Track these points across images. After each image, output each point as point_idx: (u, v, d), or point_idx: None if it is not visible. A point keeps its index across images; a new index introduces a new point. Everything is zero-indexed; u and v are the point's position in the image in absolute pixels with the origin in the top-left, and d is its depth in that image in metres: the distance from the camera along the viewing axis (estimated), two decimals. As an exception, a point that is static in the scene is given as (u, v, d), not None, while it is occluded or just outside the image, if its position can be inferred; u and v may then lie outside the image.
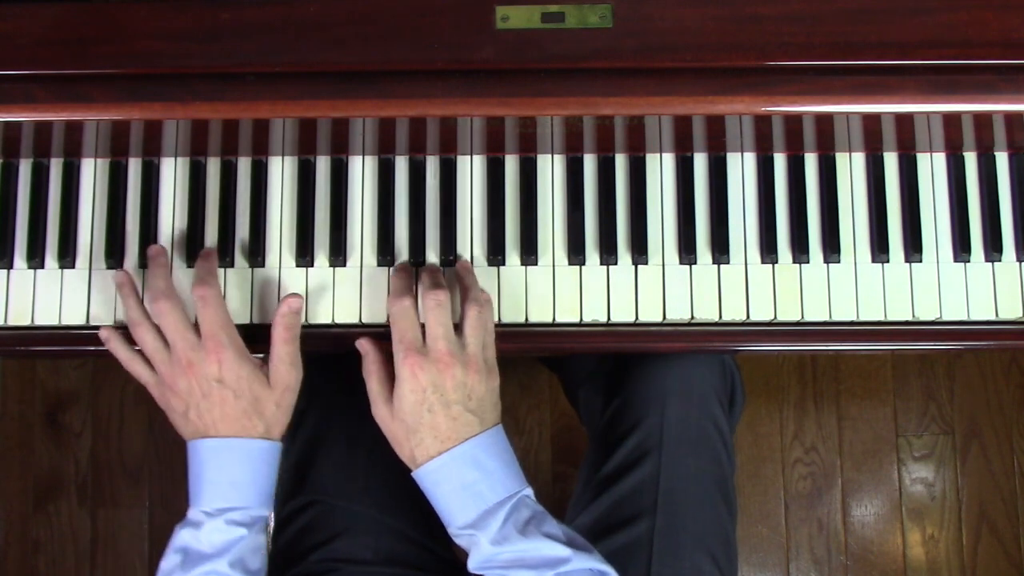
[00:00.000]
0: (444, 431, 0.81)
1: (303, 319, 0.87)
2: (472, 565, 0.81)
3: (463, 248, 0.90)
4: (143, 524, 1.73)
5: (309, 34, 0.81)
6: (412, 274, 0.88)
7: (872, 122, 0.86)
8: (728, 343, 0.91)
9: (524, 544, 0.79)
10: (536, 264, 0.90)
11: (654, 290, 0.90)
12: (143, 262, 0.90)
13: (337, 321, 0.90)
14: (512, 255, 0.90)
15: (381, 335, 0.87)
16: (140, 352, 0.85)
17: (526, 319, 0.90)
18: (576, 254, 0.90)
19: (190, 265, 0.90)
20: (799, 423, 1.75)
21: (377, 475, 1.01)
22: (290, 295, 0.86)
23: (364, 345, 0.86)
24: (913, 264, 0.91)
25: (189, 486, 0.83)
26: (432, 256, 0.90)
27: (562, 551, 0.79)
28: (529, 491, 0.83)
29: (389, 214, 0.91)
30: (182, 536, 0.81)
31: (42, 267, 0.91)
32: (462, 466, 0.81)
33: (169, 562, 0.81)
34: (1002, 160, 0.92)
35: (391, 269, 0.89)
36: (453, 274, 0.89)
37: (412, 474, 0.83)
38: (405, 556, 0.99)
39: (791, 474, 1.74)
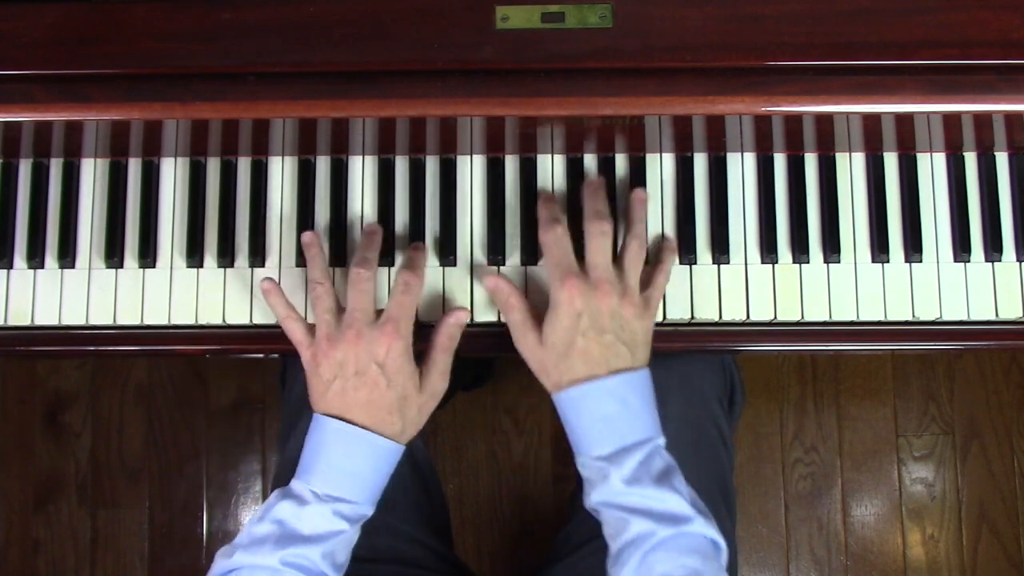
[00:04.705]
0: (595, 357, 0.80)
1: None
2: (593, 500, 0.80)
3: (463, 248, 0.90)
4: (143, 524, 1.73)
5: (309, 34, 0.80)
6: (557, 203, 0.87)
7: (872, 122, 0.86)
8: (728, 343, 0.91)
9: (655, 492, 0.77)
10: (536, 264, 0.90)
11: (654, 290, 0.90)
12: (144, 263, 0.90)
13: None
14: (512, 255, 0.90)
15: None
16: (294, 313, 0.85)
17: (526, 319, 0.89)
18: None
19: (189, 264, 0.90)
20: (799, 423, 1.75)
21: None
22: (458, 308, 0.87)
23: (493, 280, 0.85)
24: (913, 264, 0.91)
25: (303, 456, 0.82)
26: (433, 257, 0.90)
27: (688, 510, 0.77)
28: (663, 441, 0.82)
29: (389, 214, 0.91)
30: (282, 508, 0.80)
31: (42, 267, 0.91)
32: (606, 398, 0.80)
33: (263, 529, 0.80)
34: (1002, 160, 0.92)
35: (539, 199, 0.88)
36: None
37: (553, 396, 0.82)
38: (403, 554, 0.99)
39: (791, 474, 1.74)
